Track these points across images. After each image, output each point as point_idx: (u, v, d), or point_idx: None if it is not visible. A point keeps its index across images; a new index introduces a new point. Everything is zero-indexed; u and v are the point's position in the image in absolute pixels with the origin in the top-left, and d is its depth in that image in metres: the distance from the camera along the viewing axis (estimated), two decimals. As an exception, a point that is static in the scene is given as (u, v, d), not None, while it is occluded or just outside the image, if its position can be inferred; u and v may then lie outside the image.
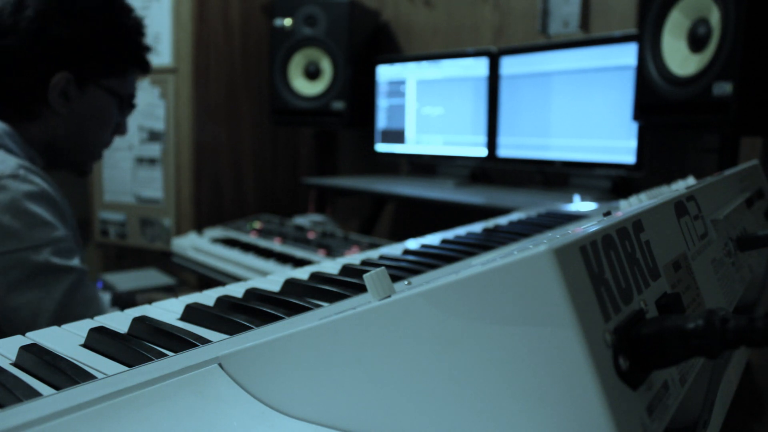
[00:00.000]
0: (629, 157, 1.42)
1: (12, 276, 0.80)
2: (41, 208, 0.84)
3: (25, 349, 0.38)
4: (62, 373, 0.35)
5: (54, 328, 0.44)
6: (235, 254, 1.31)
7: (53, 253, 0.83)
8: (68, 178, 0.94)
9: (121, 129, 1.08)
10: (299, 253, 1.25)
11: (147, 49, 1.06)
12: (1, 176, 0.82)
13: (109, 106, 1.02)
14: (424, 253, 0.68)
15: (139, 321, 0.43)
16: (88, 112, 1.00)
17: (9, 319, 0.81)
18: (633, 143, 1.41)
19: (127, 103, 1.06)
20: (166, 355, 0.37)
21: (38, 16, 0.92)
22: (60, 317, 0.82)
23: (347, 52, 1.93)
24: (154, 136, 2.03)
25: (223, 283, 0.60)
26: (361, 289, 0.52)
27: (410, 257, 0.66)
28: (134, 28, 1.03)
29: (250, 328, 0.42)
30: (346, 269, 0.61)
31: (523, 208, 1.14)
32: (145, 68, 1.06)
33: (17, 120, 0.95)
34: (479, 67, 1.74)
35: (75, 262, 0.86)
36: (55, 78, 0.94)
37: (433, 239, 0.77)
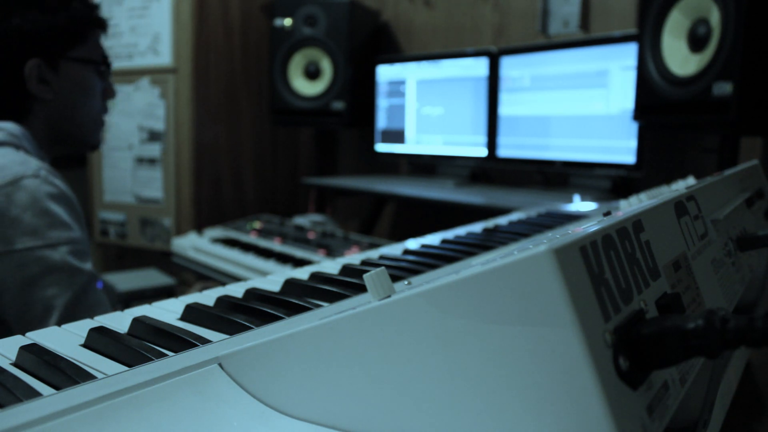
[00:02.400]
0: (629, 157, 1.42)
1: (29, 272, 0.82)
2: (61, 209, 0.86)
3: (25, 349, 0.38)
4: (62, 373, 0.35)
5: (54, 328, 0.44)
6: (235, 254, 1.31)
7: (70, 252, 0.85)
8: (67, 179, 0.94)
9: (109, 93, 1.09)
10: (299, 253, 1.25)
11: (96, 7, 1.06)
12: (24, 176, 0.84)
13: (87, 74, 1.03)
14: (424, 253, 0.68)
15: (139, 321, 0.43)
16: (71, 87, 1.01)
17: (21, 314, 0.83)
18: (633, 143, 1.41)
19: (103, 65, 1.06)
20: (166, 355, 0.37)
21: None
22: (66, 318, 0.83)
23: (347, 52, 1.93)
24: (154, 136, 2.03)
25: (223, 283, 0.60)
26: (361, 289, 0.52)
27: (410, 257, 0.66)
28: None
29: (250, 328, 0.42)
30: (346, 269, 0.61)
31: (523, 208, 1.14)
32: (102, 25, 1.06)
33: (14, 121, 0.96)
34: (479, 67, 1.74)
35: (88, 266, 0.88)
36: (27, 68, 0.95)
37: (433, 239, 0.77)
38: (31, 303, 0.82)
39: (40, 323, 0.82)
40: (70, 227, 0.86)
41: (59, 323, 0.83)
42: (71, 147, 1.06)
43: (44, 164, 0.90)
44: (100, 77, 1.06)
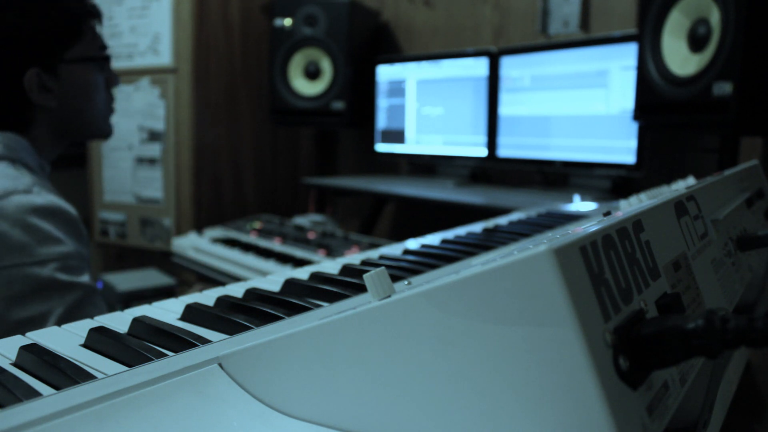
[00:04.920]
0: (629, 157, 1.42)
1: (15, 289, 0.79)
2: (50, 224, 0.83)
3: (25, 349, 0.38)
4: (62, 373, 0.35)
5: (54, 328, 0.44)
6: (235, 254, 1.31)
7: (59, 269, 0.82)
8: (67, 179, 0.94)
9: (112, 82, 1.06)
10: (299, 253, 1.25)
11: None
12: (14, 191, 0.82)
13: (87, 72, 1.00)
14: (424, 253, 0.68)
15: (139, 321, 0.43)
16: (73, 90, 0.98)
17: (12, 334, 0.81)
18: (633, 143, 1.41)
19: (102, 58, 1.02)
20: (166, 355, 0.37)
21: None
22: None
23: (347, 52, 1.93)
24: (154, 136, 2.03)
25: (223, 283, 0.60)
26: (361, 289, 0.52)
27: (410, 257, 0.66)
28: None
29: (250, 328, 0.42)
30: (346, 269, 0.61)
31: (523, 208, 1.14)
32: (95, 15, 1.02)
33: (20, 132, 0.94)
34: (479, 67, 1.74)
35: (83, 279, 0.85)
36: (26, 78, 0.92)
37: (433, 239, 0.77)
38: (21, 321, 0.79)
39: None
40: (60, 242, 0.83)
41: None
42: (80, 139, 1.04)
43: (38, 179, 0.87)
44: (101, 70, 1.02)
